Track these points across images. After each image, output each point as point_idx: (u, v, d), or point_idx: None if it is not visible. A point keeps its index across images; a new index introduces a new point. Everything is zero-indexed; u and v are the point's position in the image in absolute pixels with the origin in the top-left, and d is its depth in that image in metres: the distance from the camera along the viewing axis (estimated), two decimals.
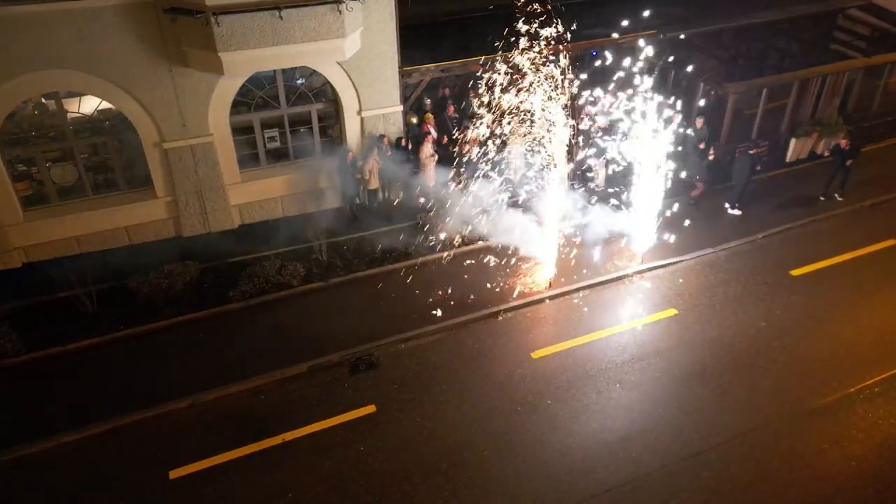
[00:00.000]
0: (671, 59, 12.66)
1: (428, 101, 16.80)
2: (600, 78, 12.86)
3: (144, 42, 12.99)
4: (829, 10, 20.12)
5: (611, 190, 15.40)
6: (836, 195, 16.53)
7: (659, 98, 12.91)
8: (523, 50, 11.72)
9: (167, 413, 10.94)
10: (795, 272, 14.17)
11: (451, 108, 16.72)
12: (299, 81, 15.06)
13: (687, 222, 15.02)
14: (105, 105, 13.80)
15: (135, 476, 9.96)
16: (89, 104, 13.83)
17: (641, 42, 12.41)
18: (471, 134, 13.07)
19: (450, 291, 13.30)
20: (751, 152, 15.58)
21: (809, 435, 10.58)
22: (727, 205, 16.10)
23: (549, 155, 12.38)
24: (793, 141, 18.16)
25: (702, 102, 17.13)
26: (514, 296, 13.37)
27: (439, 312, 12.82)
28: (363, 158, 15.33)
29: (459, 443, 10.44)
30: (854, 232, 15.44)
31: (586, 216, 15.07)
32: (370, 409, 11.01)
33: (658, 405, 11.07)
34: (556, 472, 9.98)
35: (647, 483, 9.83)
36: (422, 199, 15.49)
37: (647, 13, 14.17)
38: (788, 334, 12.52)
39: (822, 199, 16.54)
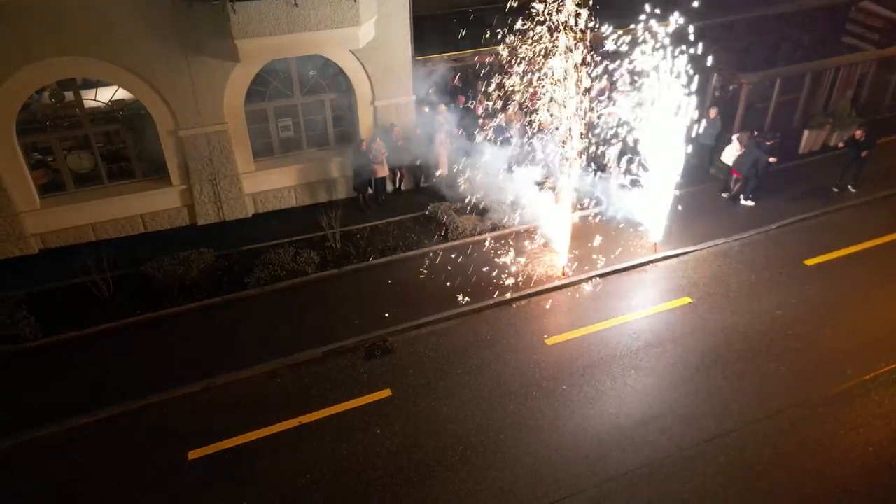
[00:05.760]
0: (685, 49, 12.66)
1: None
2: (613, 68, 12.88)
3: (160, 29, 13.05)
4: (841, 2, 20.06)
5: (625, 177, 15.41)
6: (850, 186, 16.48)
7: (672, 88, 12.89)
8: (533, 40, 11.76)
9: (183, 396, 11.00)
10: (810, 262, 14.14)
11: (462, 98, 16.74)
12: (311, 73, 15.10)
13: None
14: (121, 93, 13.90)
15: (153, 457, 10.04)
16: (105, 92, 13.92)
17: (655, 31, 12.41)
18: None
19: (460, 279, 13.36)
20: (768, 143, 15.52)
21: (826, 421, 10.56)
22: (741, 195, 16.07)
23: (562, 136, 12.39)
24: (806, 133, 18.12)
25: (715, 93, 17.13)
26: (528, 283, 13.40)
27: (457, 298, 12.86)
28: (373, 148, 15.37)
29: (475, 426, 10.47)
30: (868, 223, 15.39)
31: (601, 204, 15.09)
32: (386, 393, 11.05)
33: (674, 391, 11.08)
34: (573, 456, 9.99)
35: (663, 467, 9.83)
36: (434, 187, 15.60)
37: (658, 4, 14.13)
38: (803, 323, 12.49)
39: (835, 190, 16.50)
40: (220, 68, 13.82)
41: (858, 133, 15.99)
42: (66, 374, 11.46)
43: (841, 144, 17.31)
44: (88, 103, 13.88)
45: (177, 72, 13.58)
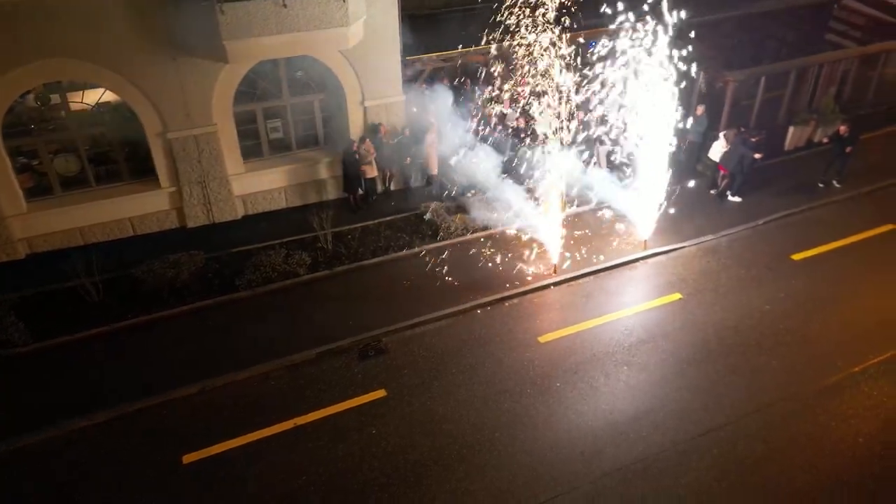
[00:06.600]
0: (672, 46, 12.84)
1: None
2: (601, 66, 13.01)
3: (148, 30, 12.97)
4: (825, 0, 20.32)
5: (614, 175, 15.52)
6: (835, 182, 16.69)
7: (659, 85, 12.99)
8: (519, 39, 11.87)
9: (177, 399, 10.94)
10: (796, 257, 14.31)
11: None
12: (298, 74, 15.06)
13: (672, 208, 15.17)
14: (108, 95, 13.78)
15: (148, 461, 9.96)
16: (92, 94, 13.79)
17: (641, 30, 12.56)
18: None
19: (452, 279, 13.40)
20: (753, 140, 15.68)
21: (816, 413, 10.70)
22: (728, 192, 16.23)
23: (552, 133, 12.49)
24: (791, 129, 18.33)
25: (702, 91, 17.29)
26: (520, 282, 13.45)
27: (453, 297, 12.94)
28: (362, 148, 15.36)
29: (470, 425, 10.49)
30: (853, 217, 15.61)
31: (591, 203, 15.18)
32: (381, 393, 11.05)
33: (666, 386, 11.17)
34: (568, 453, 10.05)
35: (657, 462, 9.91)
36: (425, 187, 15.61)
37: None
38: (792, 317, 12.65)
39: (820, 185, 16.71)
40: (208, 69, 13.75)
41: (842, 129, 16.21)
42: (57, 378, 11.34)
43: (825, 140, 17.54)
44: (75, 106, 13.75)
45: (165, 73, 13.49)
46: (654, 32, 12.03)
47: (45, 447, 10.21)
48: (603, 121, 14.64)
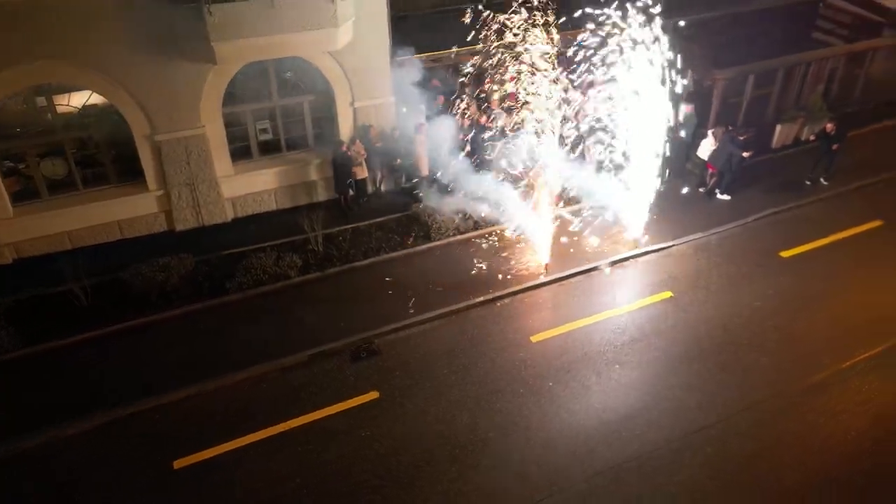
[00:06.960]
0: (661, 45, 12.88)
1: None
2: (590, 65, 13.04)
3: (136, 32, 12.85)
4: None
5: (604, 173, 15.55)
6: (822, 179, 16.80)
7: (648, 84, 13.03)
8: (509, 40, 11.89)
9: (169, 404, 10.88)
10: (785, 254, 14.40)
11: (441, 99, 16.75)
12: (288, 75, 15.00)
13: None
14: (95, 98, 13.67)
15: (138, 467, 9.91)
16: (78, 97, 13.67)
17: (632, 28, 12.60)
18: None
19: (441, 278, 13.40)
20: (741, 138, 15.77)
21: (805, 410, 10.78)
22: (716, 190, 16.31)
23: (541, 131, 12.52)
24: (778, 127, 18.44)
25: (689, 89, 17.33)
26: (511, 281, 13.46)
27: (446, 298, 12.92)
28: (352, 149, 15.32)
29: (463, 425, 10.50)
30: (841, 214, 15.71)
31: (581, 201, 15.22)
32: (373, 395, 11.04)
33: (658, 384, 11.22)
34: (562, 452, 10.07)
35: (650, 460, 9.95)
36: (414, 188, 15.60)
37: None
38: (781, 314, 12.73)
39: (808, 183, 16.82)
40: (197, 71, 13.65)
41: (829, 126, 16.31)
42: (47, 384, 11.24)
43: (812, 138, 17.65)
44: (61, 108, 13.63)
45: (153, 75, 13.38)
46: (642, 30, 12.06)
47: (35, 453, 10.12)
48: (593, 119, 14.67)
